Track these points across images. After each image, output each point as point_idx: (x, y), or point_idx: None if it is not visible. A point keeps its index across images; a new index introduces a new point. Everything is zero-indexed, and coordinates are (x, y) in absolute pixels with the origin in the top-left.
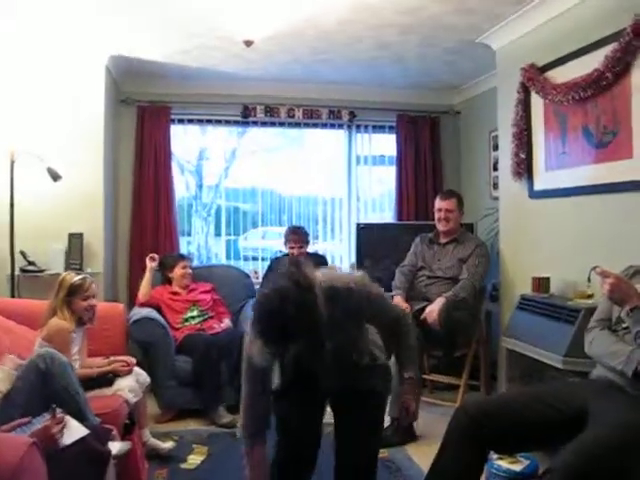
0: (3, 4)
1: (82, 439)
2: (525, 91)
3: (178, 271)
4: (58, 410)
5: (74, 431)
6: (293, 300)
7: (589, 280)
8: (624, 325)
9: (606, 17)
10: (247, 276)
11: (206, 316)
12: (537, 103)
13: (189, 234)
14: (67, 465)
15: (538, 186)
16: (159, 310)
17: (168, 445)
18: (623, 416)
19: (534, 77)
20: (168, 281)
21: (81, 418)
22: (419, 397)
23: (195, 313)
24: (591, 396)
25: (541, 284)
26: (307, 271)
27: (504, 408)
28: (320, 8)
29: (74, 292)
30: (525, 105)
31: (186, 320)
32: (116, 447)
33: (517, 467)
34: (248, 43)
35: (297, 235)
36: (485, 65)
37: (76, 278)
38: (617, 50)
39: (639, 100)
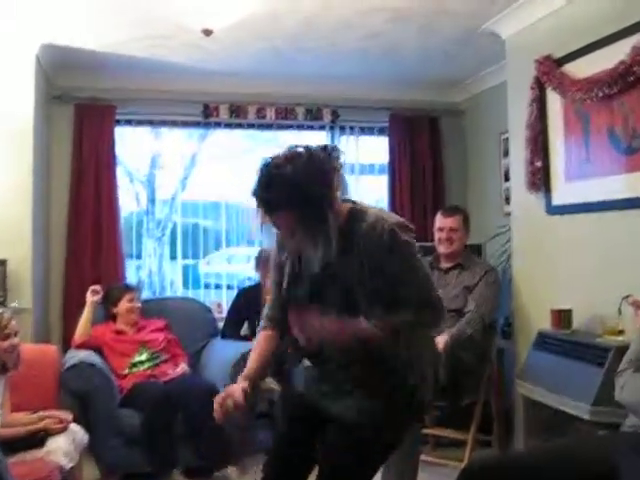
0: None
1: None
2: (540, 87)
3: (124, 305)
4: None
5: None
6: (304, 162)
7: (620, 312)
8: None
9: (634, 1)
10: (208, 310)
11: (158, 360)
12: (554, 101)
13: (139, 258)
14: None
15: (557, 200)
16: (101, 353)
17: None
18: None
19: (550, 71)
20: (112, 318)
21: None
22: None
23: (144, 356)
24: (623, 452)
25: (562, 318)
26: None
27: (518, 470)
28: None
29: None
30: (540, 104)
31: (134, 365)
32: None
33: None
34: (207, 32)
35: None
36: (493, 56)
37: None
38: None
39: None
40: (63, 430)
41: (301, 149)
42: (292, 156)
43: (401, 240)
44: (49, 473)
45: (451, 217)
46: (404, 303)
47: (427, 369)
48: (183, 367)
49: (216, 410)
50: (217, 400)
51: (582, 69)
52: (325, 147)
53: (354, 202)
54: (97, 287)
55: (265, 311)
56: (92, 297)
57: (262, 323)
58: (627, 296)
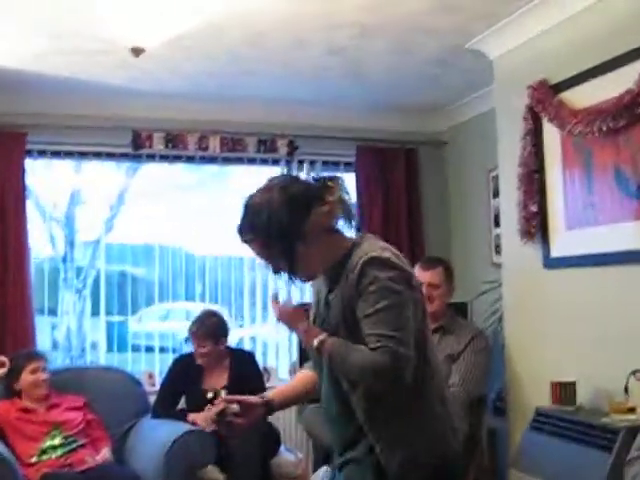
0: None
1: None
2: (535, 118)
3: (27, 377)
4: None
5: None
6: (277, 190)
7: (626, 391)
8: None
9: None
10: (137, 382)
11: (75, 445)
12: (552, 135)
13: (54, 314)
14: None
15: (556, 251)
16: (3, 436)
17: None
18: None
19: (546, 99)
20: (16, 394)
21: None
22: None
23: (57, 441)
24: None
25: (564, 392)
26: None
27: None
28: (249, 4)
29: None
30: (535, 137)
31: (44, 452)
32: None
33: None
34: (137, 51)
35: (200, 330)
36: (479, 80)
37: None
38: None
39: None
40: None
41: (282, 177)
42: (268, 185)
43: (369, 274)
44: None
45: (430, 270)
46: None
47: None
48: (105, 454)
49: None
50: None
51: (583, 97)
52: (324, 177)
53: (363, 236)
54: (2, 358)
55: None
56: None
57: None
58: (636, 371)
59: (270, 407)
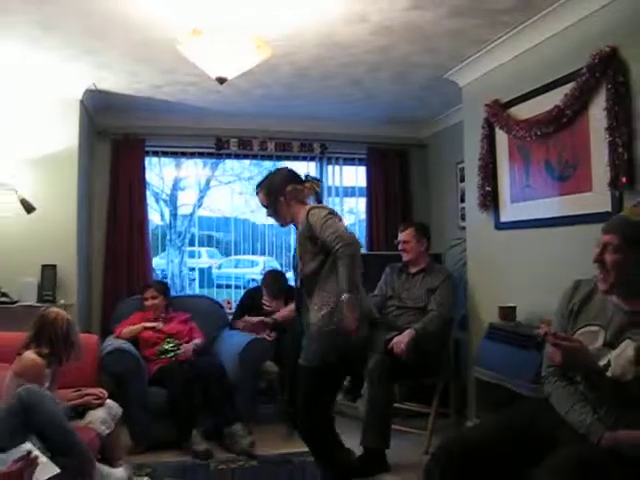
0: None
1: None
2: (490, 126)
3: (146, 302)
4: (28, 447)
5: (45, 470)
6: (275, 175)
7: (539, 338)
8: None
9: (566, 56)
10: (220, 306)
11: (178, 351)
12: (502, 138)
13: (164, 262)
14: None
15: (504, 218)
16: (135, 341)
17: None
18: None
19: (498, 113)
20: (144, 309)
21: (70, 448)
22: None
23: (170, 346)
24: (560, 419)
25: (508, 313)
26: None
27: (483, 445)
28: (295, 47)
29: (45, 326)
30: (490, 140)
31: (161, 353)
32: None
33: None
34: (221, 80)
35: (269, 288)
36: (452, 100)
37: (51, 310)
38: (575, 88)
39: (597, 136)
40: (100, 405)
41: (286, 171)
42: (277, 172)
43: (311, 216)
44: (90, 440)
45: (404, 231)
46: (330, 243)
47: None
48: (195, 342)
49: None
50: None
51: (524, 112)
52: (308, 176)
53: (319, 206)
54: (158, 325)
55: None
56: (147, 323)
57: None
58: (545, 333)
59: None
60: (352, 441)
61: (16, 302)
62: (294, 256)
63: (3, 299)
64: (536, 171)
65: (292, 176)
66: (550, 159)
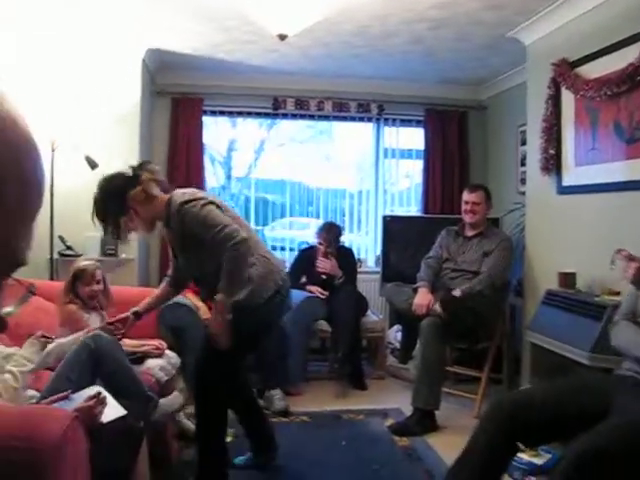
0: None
1: (119, 418)
2: (556, 86)
3: None
4: (97, 388)
5: (112, 410)
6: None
7: (612, 263)
8: None
9: None
10: None
11: None
12: (568, 98)
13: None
14: (104, 441)
15: (567, 182)
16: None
17: None
18: None
19: (565, 73)
20: None
21: (135, 392)
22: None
23: None
24: (616, 391)
25: (567, 279)
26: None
27: (537, 404)
28: (356, 2)
29: (78, 277)
30: (555, 101)
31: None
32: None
33: (539, 460)
34: (282, 37)
35: (328, 235)
36: (514, 60)
37: (82, 264)
38: None
39: None
40: (159, 355)
41: (107, 179)
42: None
43: (182, 212)
44: (149, 386)
45: (474, 192)
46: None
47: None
48: None
49: None
50: None
51: (594, 70)
52: (135, 167)
53: (172, 193)
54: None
55: None
56: None
57: None
58: (620, 249)
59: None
60: (403, 403)
61: (81, 255)
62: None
63: (69, 252)
64: (604, 133)
65: (122, 184)
66: (620, 120)
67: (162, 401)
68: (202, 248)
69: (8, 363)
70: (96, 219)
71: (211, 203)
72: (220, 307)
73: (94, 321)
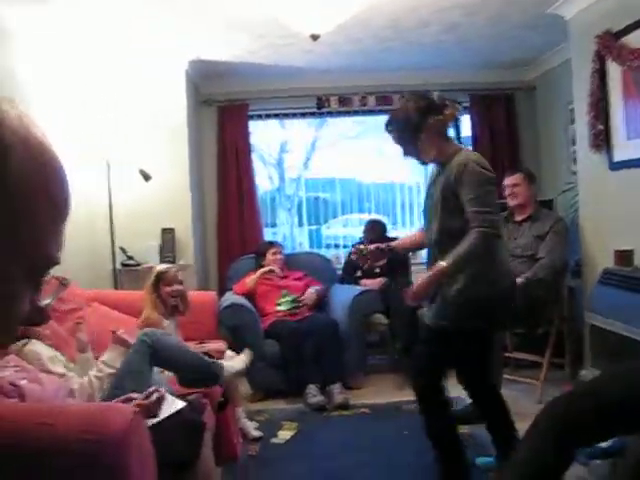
0: (91, 20)
1: (178, 412)
2: (601, 59)
3: (270, 257)
4: (154, 387)
5: (170, 405)
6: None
7: None
8: None
9: None
10: (330, 262)
11: (296, 304)
12: (614, 70)
13: (274, 226)
14: (166, 435)
15: (618, 157)
16: (251, 298)
17: (257, 433)
18: None
19: (610, 44)
20: (261, 267)
21: (198, 362)
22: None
23: (287, 299)
24: None
25: (624, 257)
26: None
27: (614, 402)
28: None
29: (160, 279)
30: (601, 74)
31: (278, 305)
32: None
33: (604, 443)
34: (315, 37)
35: (369, 234)
36: (555, 37)
37: (161, 267)
38: None
39: None
40: (220, 358)
41: (417, 94)
42: (407, 98)
43: (466, 173)
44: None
45: (511, 176)
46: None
47: None
48: (314, 287)
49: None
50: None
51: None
52: (446, 98)
53: (462, 148)
54: (274, 267)
55: None
56: (264, 268)
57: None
58: None
59: (394, 251)
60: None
61: (141, 264)
62: (425, 211)
63: (130, 262)
64: None
65: (429, 105)
66: None
67: (226, 363)
68: (454, 213)
69: (91, 369)
70: (395, 124)
71: (493, 184)
72: (439, 272)
73: (170, 328)
